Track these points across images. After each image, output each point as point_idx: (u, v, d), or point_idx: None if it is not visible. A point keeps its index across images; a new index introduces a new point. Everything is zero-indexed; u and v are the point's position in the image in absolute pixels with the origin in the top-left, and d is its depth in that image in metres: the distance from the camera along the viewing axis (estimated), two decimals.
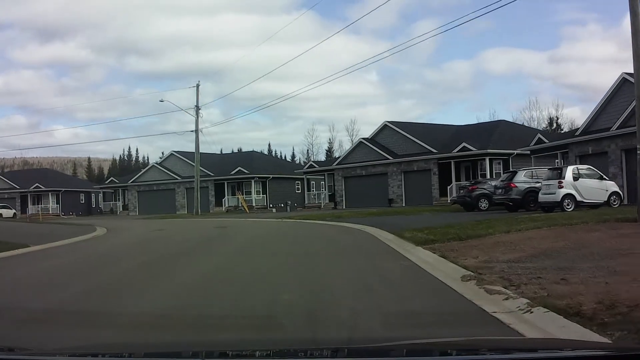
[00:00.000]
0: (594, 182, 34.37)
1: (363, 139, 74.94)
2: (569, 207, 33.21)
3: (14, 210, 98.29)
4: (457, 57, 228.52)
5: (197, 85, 76.10)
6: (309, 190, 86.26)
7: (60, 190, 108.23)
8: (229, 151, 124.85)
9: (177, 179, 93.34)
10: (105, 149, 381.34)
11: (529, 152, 56.44)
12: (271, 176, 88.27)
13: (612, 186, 35.57)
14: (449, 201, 62.30)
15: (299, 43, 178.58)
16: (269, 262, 17.66)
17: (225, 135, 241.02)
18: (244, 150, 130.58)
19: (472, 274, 13.19)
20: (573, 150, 49.74)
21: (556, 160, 55.00)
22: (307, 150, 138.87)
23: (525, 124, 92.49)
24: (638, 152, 23.08)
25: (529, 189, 38.25)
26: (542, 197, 34.66)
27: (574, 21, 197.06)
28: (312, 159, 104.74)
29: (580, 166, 36.19)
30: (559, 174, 34.55)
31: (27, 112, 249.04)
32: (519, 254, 16.11)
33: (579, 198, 33.62)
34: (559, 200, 33.40)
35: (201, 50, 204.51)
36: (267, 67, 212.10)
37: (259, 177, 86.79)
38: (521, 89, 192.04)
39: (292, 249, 21.61)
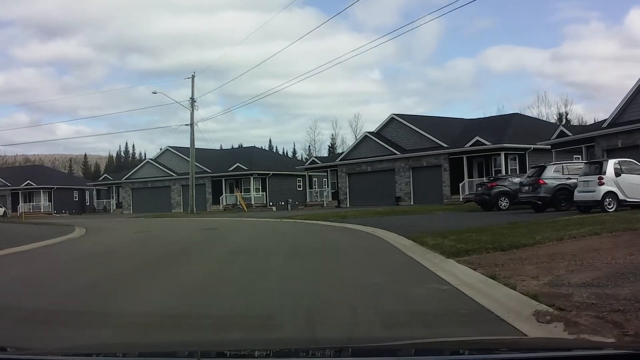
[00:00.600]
0: (637, 178, 29.70)
1: (368, 133, 70.41)
2: (610, 206, 28.61)
3: (4, 209, 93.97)
4: (460, 56, 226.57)
5: (193, 77, 71.83)
6: (310, 187, 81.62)
7: (52, 188, 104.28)
8: (230, 148, 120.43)
9: (172, 175, 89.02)
10: (107, 146, 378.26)
11: (549, 146, 52.15)
12: (271, 173, 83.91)
13: None
14: (461, 199, 58.28)
15: (300, 40, 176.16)
16: (252, 286, 13.28)
17: (226, 133, 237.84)
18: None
19: (549, 308, 8.86)
20: (600, 144, 45.45)
21: (575, 156, 51.07)
22: (309, 147, 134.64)
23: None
24: None
25: (560, 186, 33.81)
26: (578, 196, 30.02)
27: (576, 19, 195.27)
28: (315, 156, 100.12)
29: (621, 160, 31.41)
30: (599, 169, 29.87)
31: (27, 109, 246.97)
32: (594, 273, 11.72)
33: (621, 196, 28.96)
34: (600, 199, 28.76)
35: (202, 47, 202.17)
36: (267, 63, 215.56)
37: (258, 174, 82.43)
38: (524, 87, 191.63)
39: (287, 263, 16.95)
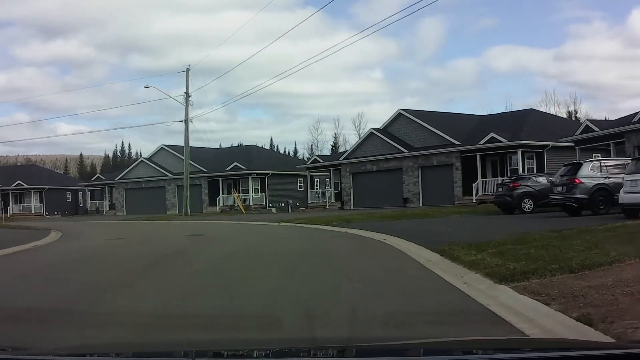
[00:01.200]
0: None
1: (374, 129, 65.88)
2: None
3: None
4: (462, 55, 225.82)
5: (187, 70, 67.62)
6: (312, 188, 76.91)
7: (44, 188, 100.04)
8: (228, 147, 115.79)
9: (167, 175, 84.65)
10: (107, 146, 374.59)
11: (572, 143, 47.86)
12: (271, 172, 79.50)
13: None
14: (474, 200, 54.10)
15: (303, 40, 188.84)
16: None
17: (228, 133, 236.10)
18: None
19: None
20: (631, 140, 41.34)
21: (594, 154, 46.99)
22: (311, 146, 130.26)
23: None
24: None
25: (599, 186, 29.50)
26: (625, 197, 25.46)
27: (578, 19, 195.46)
28: (317, 154, 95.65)
29: None
30: None
31: (25, 108, 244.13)
32: None
33: None
34: None
35: (203, 47, 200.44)
36: (269, 62, 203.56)
37: (257, 174, 78.08)
38: (526, 87, 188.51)
39: (278, 292, 12.61)
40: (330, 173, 71.82)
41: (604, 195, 29.03)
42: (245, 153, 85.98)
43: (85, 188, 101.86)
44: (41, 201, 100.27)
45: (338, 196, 68.62)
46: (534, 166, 54.72)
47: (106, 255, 21.86)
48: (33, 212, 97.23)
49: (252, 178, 78.14)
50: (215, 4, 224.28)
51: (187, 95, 67.12)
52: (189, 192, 68.14)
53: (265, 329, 8.90)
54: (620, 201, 25.94)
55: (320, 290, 12.09)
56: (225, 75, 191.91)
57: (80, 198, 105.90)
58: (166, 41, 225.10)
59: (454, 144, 57.72)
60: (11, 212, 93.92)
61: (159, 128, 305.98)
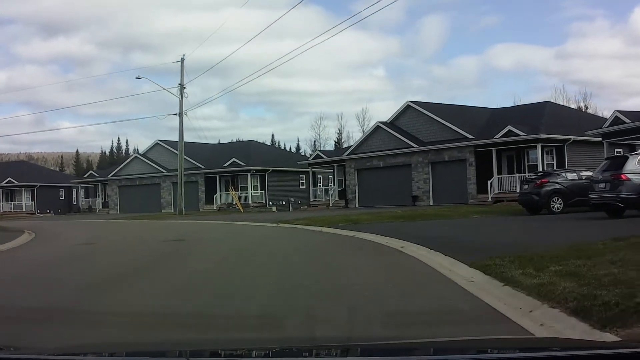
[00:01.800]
0: None
1: (381, 123, 61.48)
2: None
3: None
4: (464, 53, 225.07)
5: (182, 60, 63.26)
6: (315, 185, 71.97)
7: (36, 186, 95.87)
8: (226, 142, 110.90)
9: (162, 172, 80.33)
10: (109, 144, 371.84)
11: (599, 137, 43.58)
12: (271, 169, 75.22)
13: None
14: (489, 199, 50.01)
15: (304, 38, 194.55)
16: None
17: (229, 131, 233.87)
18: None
19: None
20: None
21: (617, 150, 42.94)
22: (314, 142, 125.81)
23: None
24: None
25: None
26: None
27: (581, 17, 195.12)
28: (319, 149, 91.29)
29: None
30: None
31: (25, 106, 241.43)
32: None
33: None
34: None
35: (205, 45, 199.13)
36: (272, 60, 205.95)
37: (256, 170, 73.84)
38: (528, 85, 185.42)
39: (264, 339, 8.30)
40: (333, 169, 67.34)
41: None
42: (244, 148, 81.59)
43: (78, 185, 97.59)
44: (32, 199, 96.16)
45: (342, 194, 64.37)
46: (554, 162, 50.64)
47: (60, 267, 17.71)
48: (24, 210, 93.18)
49: (251, 175, 73.90)
50: (218, 2, 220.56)
51: (182, 86, 62.99)
52: (183, 189, 63.99)
53: None
54: None
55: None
56: (227, 73, 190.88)
57: (74, 196, 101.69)
58: (168, 39, 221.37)
59: (467, 138, 53.58)
60: (2, 210, 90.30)
61: (159, 125, 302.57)
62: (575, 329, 7.55)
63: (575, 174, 34.88)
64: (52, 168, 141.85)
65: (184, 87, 63.03)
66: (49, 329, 8.91)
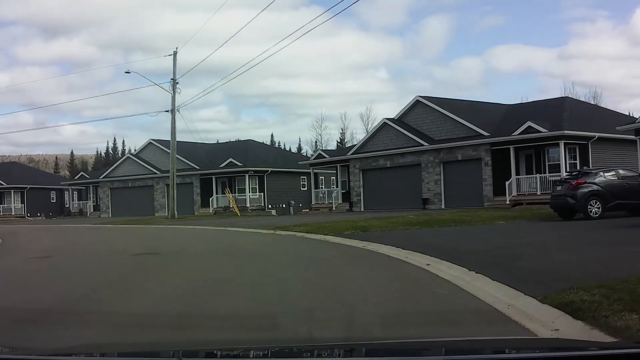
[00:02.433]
0: None
1: (388, 119, 57.05)
2: None
3: None
4: (466, 54, 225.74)
5: (174, 53, 58.98)
6: (317, 187, 67.50)
7: (25, 188, 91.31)
8: (223, 142, 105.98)
9: (156, 173, 75.94)
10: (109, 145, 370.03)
11: (631, 133, 39.36)
12: (270, 170, 70.73)
13: None
14: (507, 202, 45.96)
15: (307, 39, 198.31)
16: None
17: (231, 133, 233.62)
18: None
19: None
20: None
21: None
22: (315, 142, 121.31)
23: None
24: None
25: None
26: None
27: (583, 18, 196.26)
28: (321, 149, 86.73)
29: None
30: None
31: (28, 108, 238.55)
32: None
33: None
34: None
35: (206, 46, 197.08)
36: (273, 62, 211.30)
37: (254, 171, 69.34)
38: (531, 87, 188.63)
39: None
40: (336, 170, 62.75)
41: None
42: (242, 148, 76.95)
43: (69, 187, 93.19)
44: (22, 202, 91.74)
45: (346, 196, 59.95)
46: (577, 161, 46.42)
47: None
48: (14, 213, 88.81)
49: (249, 176, 69.45)
50: (220, 3, 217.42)
51: (174, 81, 58.72)
52: (175, 191, 59.76)
53: None
54: None
55: None
56: (228, 76, 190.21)
57: (67, 198, 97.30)
58: (169, 41, 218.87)
59: (482, 135, 49.30)
60: None
61: (157, 126, 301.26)
62: None
63: (614, 174, 30.79)
64: (51, 170, 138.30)
65: (177, 82, 58.80)
66: None
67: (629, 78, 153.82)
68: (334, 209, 59.46)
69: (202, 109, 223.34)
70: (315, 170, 66.36)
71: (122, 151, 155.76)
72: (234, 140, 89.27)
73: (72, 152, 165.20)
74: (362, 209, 56.30)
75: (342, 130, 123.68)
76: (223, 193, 70.03)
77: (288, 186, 72.56)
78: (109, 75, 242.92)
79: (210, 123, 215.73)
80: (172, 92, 58.70)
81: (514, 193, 46.52)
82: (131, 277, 15.28)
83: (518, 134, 46.50)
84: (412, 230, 26.64)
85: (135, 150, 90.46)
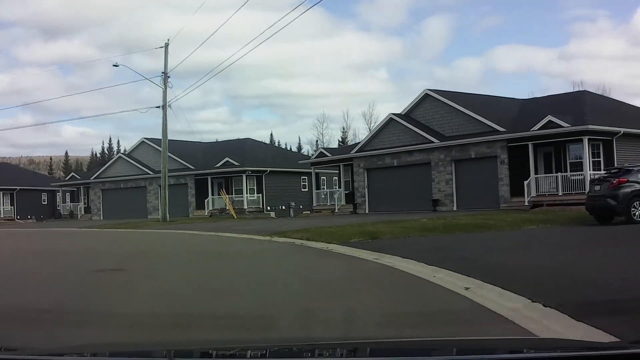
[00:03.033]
0: None
1: (394, 114, 53.03)
2: None
3: None
4: (467, 54, 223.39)
5: (166, 45, 55.14)
6: (318, 188, 63.37)
7: (15, 189, 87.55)
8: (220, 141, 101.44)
9: (149, 173, 72.08)
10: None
11: None
12: (269, 169, 66.87)
13: None
14: (526, 203, 42.48)
15: (306, 40, 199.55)
16: None
17: (231, 134, 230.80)
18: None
19: None
20: None
21: None
22: (317, 141, 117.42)
23: None
24: None
25: None
26: None
27: (583, 17, 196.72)
28: (323, 147, 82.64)
29: None
30: None
31: (28, 109, 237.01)
32: None
33: None
34: None
35: (206, 47, 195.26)
36: (274, 63, 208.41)
37: (252, 171, 65.44)
38: (531, 87, 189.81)
39: None
40: (339, 170, 58.73)
41: None
42: (240, 147, 72.97)
43: (60, 188, 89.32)
44: (11, 204, 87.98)
45: (349, 197, 55.93)
46: (601, 158, 42.75)
47: None
48: (2, 216, 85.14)
49: (246, 176, 65.52)
50: (219, 3, 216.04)
51: (165, 75, 54.87)
52: (167, 192, 55.81)
53: None
54: None
55: None
56: (230, 77, 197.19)
57: (59, 200, 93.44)
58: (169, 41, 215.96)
59: (497, 131, 45.46)
60: None
61: (158, 127, 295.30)
62: None
63: None
64: (24, 169, 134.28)
65: (169, 77, 54.97)
66: None
67: (630, 78, 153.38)
68: (336, 211, 55.53)
69: (202, 110, 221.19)
70: (316, 170, 62.27)
71: (117, 152, 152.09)
72: (232, 139, 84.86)
73: (66, 153, 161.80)
74: (367, 211, 52.52)
75: (344, 128, 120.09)
76: (219, 194, 66.18)
77: (288, 187, 68.79)
78: (109, 76, 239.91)
79: (211, 124, 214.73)
80: (163, 87, 54.86)
81: (533, 193, 42.88)
82: (67, 308, 11.28)
83: (538, 130, 42.78)
84: (430, 238, 22.79)
85: (127, 150, 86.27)
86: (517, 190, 43.66)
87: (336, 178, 64.06)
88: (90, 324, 9.54)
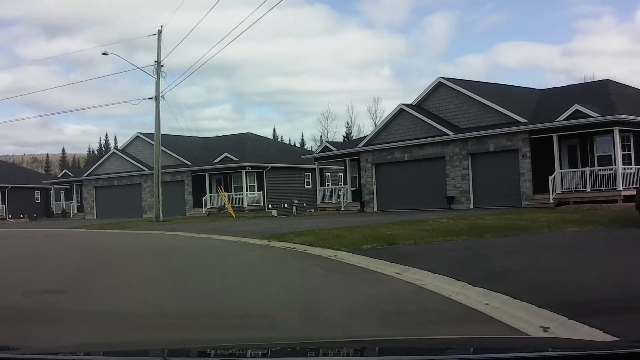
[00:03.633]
0: None
1: (405, 105, 48.97)
2: None
3: None
4: (470, 52, 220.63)
5: (159, 32, 51.22)
6: (322, 184, 58.73)
7: (7, 187, 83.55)
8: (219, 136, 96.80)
9: (144, 170, 67.97)
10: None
11: None
12: (270, 165, 62.84)
13: None
14: (550, 200, 38.69)
15: (310, 37, 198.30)
16: None
17: (234, 131, 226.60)
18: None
19: None
20: None
21: None
22: (321, 136, 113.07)
23: None
24: None
25: None
26: None
27: (587, 14, 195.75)
28: (327, 141, 78.53)
29: None
30: None
31: (31, 107, 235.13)
32: None
33: None
34: None
35: (211, 45, 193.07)
36: (278, 61, 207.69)
37: (252, 167, 61.42)
38: (535, 84, 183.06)
39: None
40: (345, 165, 54.74)
41: None
42: (240, 142, 68.78)
43: (52, 186, 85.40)
44: (3, 202, 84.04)
45: (356, 195, 51.97)
46: (631, 151, 39.07)
47: None
48: None
49: (246, 172, 61.52)
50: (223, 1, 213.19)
51: (158, 64, 50.99)
52: (160, 190, 51.96)
53: None
54: None
55: None
56: (234, 74, 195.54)
57: (52, 198, 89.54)
58: (173, 39, 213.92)
59: (518, 122, 41.57)
60: None
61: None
62: None
63: None
64: (16, 166, 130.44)
65: (162, 65, 51.07)
66: None
67: (634, 74, 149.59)
68: (342, 209, 51.59)
69: (206, 107, 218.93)
70: (321, 166, 58.15)
71: (115, 147, 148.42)
72: (232, 134, 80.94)
73: (63, 150, 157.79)
74: (375, 210, 48.67)
75: (348, 123, 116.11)
76: (217, 192, 62.34)
77: (290, 184, 64.75)
78: (108, 72, 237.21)
79: (215, 122, 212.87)
80: (156, 77, 51.00)
81: (559, 190, 39.04)
82: None
83: (563, 120, 38.93)
84: (459, 243, 18.93)
85: (121, 146, 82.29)
86: (539, 186, 39.84)
87: (342, 174, 60.13)
88: None
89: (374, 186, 50.06)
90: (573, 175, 39.36)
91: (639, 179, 28.72)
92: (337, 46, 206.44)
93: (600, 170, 38.23)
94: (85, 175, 76.14)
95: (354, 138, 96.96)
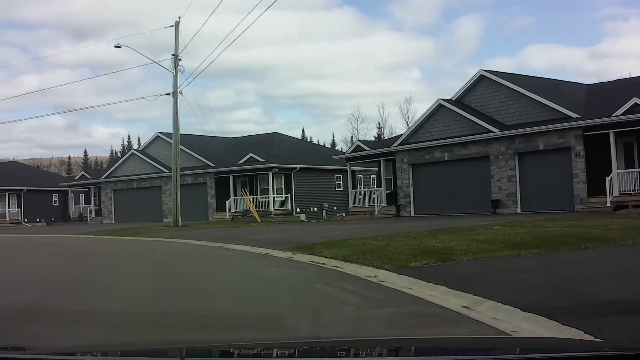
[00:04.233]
0: None
1: (444, 100, 44.94)
2: None
3: None
4: (499, 54, 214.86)
5: (176, 24, 47.71)
6: (354, 187, 54.65)
7: (22, 190, 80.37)
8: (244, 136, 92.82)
9: (164, 172, 64.17)
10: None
11: None
12: (298, 167, 59.07)
13: None
14: (608, 204, 34.58)
15: (339, 40, 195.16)
16: None
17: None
18: None
19: None
20: None
21: None
22: (352, 137, 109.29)
23: None
24: None
25: None
26: None
27: (615, 16, 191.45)
28: (360, 139, 74.44)
29: None
30: None
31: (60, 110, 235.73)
32: None
33: None
34: None
35: (239, 48, 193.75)
36: (308, 64, 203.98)
37: (279, 168, 57.68)
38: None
39: None
40: (379, 166, 50.77)
41: None
42: (266, 142, 65.08)
43: (69, 189, 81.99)
44: (18, 206, 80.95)
45: (391, 198, 48.05)
46: None
47: None
48: (8, 219, 78.06)
49: (272, 174, 57.78)
50: (251, 4, 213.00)
51: (176, 57, 47.46)
52: (179, 192, 48.29)
53: None
54: None
55: None
56: (264, 77, 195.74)
57: (71, 201, 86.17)
58: (201, 42, 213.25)
59: (570, 117, 37.60)
60: None
61: (188, 127, 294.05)
62: None
63: None
64: (34, 168, 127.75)
65: (179, 59, 47.51)
66: None
67: None
68: (376, 213, 47.69)
69: (235, 110, 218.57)
70: (352, 167, 54.11)
71: (135, 149, 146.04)
72: (257, 133, 77.34)
73: (85, 152, 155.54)
74: (412, 214, 44.92)
75: (379, 124, 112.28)
76: (242, 194, 58.72)
77: (320, 186, 60.97)
78: (139, 77, 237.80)
79: (244, 124, 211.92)
80: (173, 71, 47.47)
81: (616, 192, 35.04)
82: None
83: (621, 115, 35.06)
84: (533, 260, 15.05)
85: (141, 146, 78.73)
86: (595, 188, 35.87)
87: (375, 176, 56.43)
88: None
89: (411, 188, 46.15)
90: (631, 175, 35.37)
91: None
92: (365, 49, 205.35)
93: None
94: (103, 177, 72.81)
95: (386, 138, 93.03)
